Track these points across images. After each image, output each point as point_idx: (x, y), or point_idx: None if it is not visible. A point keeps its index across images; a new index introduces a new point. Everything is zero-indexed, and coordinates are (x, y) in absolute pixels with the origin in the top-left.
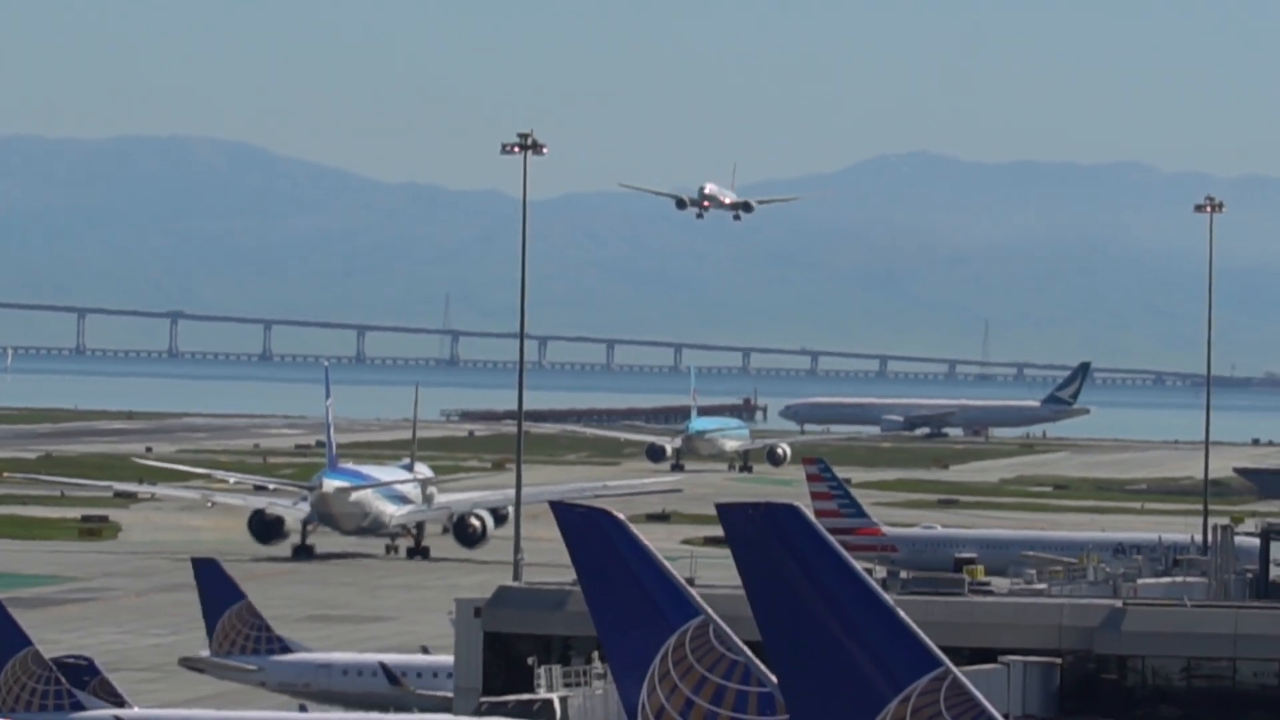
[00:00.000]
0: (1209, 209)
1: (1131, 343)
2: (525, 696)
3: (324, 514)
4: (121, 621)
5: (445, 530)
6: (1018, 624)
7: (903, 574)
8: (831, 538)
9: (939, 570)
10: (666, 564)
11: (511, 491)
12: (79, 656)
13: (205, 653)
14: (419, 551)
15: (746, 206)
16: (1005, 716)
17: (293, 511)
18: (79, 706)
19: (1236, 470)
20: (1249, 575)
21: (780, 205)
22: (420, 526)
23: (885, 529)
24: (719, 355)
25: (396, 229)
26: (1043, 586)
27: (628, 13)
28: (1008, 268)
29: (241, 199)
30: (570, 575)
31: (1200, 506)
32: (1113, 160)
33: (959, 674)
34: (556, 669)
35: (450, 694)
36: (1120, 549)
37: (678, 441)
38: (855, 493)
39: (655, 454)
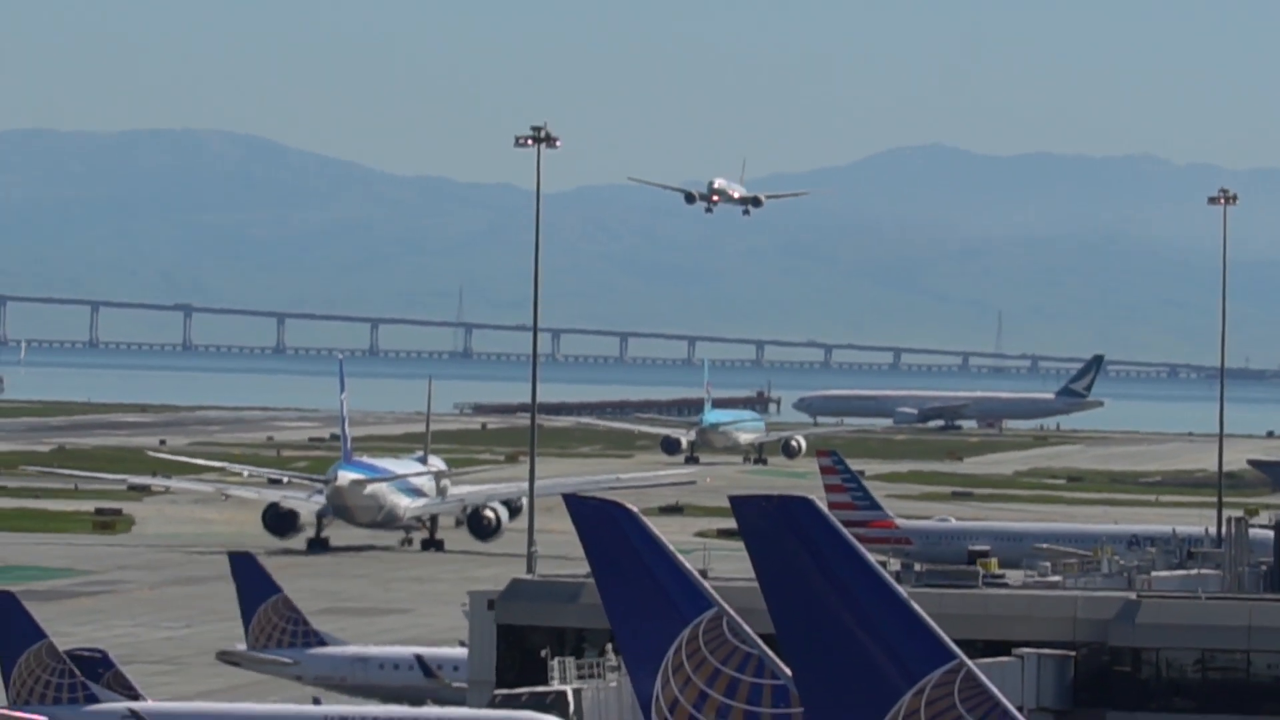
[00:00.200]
0: (1222, 201)
1: (1145, 335)
2: (539, 689)
3: (338, 507)
4: (135, 614)
5: (459, 523)
6: (1032, 616)
7: (916, 566)
8: (845, 530)
9: (953, 563)
10: (680, 556)
11: (525, 484)
12: (93, 649)
13: (241, 646)
14: (433, 544)
15: (755, 201)
16: (1020, 709)
17: (307, 504)
18: (93, 699)
19: (1251, 462)
20: (1263, 567)
21: (793, 199)
22: (434, 519)
23: (899, 521)
24: (733, 348)
25: (408, 222)
26: (1057, 579)
27: (639, 6)
28: (1021, 260)
29: (253, 192)
30: (584, 568)
31: (1214, 499)
32: (1126, 153)
33: (973, 666)
34: (570, 661)
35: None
36: (1134, 541)
37: (692, 434)
38: (869, 485)
39: (670, 446)
